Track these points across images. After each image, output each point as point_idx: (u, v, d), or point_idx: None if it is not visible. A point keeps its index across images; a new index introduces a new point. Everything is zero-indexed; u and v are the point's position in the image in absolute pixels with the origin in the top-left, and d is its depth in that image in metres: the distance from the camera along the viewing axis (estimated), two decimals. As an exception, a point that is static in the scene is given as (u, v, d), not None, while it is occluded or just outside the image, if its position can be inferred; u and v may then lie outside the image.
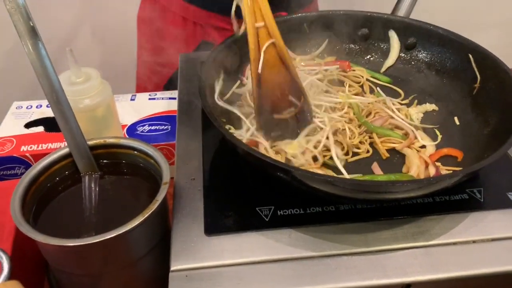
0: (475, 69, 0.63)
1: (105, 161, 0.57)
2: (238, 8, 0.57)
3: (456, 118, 0.63)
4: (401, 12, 0.76)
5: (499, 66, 0.60)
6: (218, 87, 0.61)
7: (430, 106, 0.65)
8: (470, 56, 0.64)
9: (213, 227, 0.49)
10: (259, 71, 0.54)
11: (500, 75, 0.59)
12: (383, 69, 0.72)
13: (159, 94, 0.82)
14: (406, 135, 0.60)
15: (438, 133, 0.61)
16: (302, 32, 0.72)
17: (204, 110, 0.52)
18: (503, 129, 0.55)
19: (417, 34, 0.70)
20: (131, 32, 1.12)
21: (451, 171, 0.54)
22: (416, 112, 0.63)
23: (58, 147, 0.63)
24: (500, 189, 0.53)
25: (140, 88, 1.11)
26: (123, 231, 0.46)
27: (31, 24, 0.46)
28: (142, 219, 0.47)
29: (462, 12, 1.53)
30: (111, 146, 0.57)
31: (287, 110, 0.56)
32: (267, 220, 0.50)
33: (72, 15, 1.53)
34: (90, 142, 0.56)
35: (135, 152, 0.56)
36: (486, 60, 0.62)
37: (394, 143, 0.59)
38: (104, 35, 1.58)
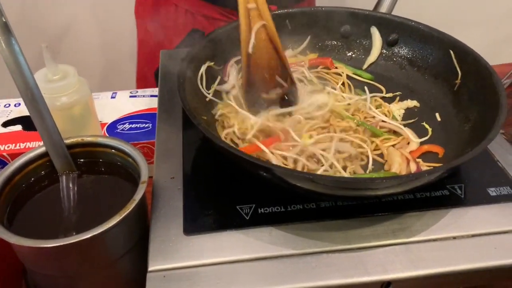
0: (456, 65, 0.63)
1: (83, 160, 0.56)
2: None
3: (437, 114, 0.63)
4: (383, 9, 0.75)
5: (480, 62, 0.60)
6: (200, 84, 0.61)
7: (412, 103, 0.65)
8: (451, 52, 0.64)
9: (192, 226, 0.48)
10: (250, 51, 0.54)
11: (481, 71, 0.59)
12: (365, 66, 0.72)
13: (140, 91, 0.81)
14: (394, 133, 0.60)
15: (427, 126, 0.61)
16: (284, 28, 0.72)
17: (184, 108, 0.51)
18: (483, 125, 0.55)
19: (399, 30, 0.70)
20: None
21: (431, 167, 0.54)
22: (398, 108, 0.63)
23: (37, 146, 0.62)
24: (481, 185, 0.54)
25: (140, 80, 1.11)
26: (100, 231, 0.45)
27: (4, 20, 0.45)
28: (119, 219, 0.46)
29: (446, 10, 1.54)
30: (89, 145, 0.56)
31: (274, 91, 0.57)
32: (247, 218, 0.49)
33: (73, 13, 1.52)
34: (67, 141, 0.54)
35: (113, 150, 0.55)
36: (467, 56, 0.62)
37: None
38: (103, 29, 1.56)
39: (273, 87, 0.57)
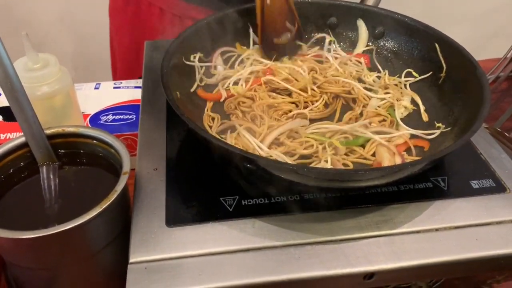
0: (441, 58, 0.63)
1: (63, 151, 0.55)
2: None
3: (422, 108, 0.63)
4: (370, 1, 0.75)
5: (464, 55, 0.60)
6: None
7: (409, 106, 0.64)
8: (437, 45, 0.64)
9: (175, 218, 0.47)
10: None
11: (465, 65, 0.60)
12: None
13: (124, 82, 0.80)
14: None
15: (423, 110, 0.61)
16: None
17: (167, 99, 0.51)
18: (467, 118, 0.55)
19: (384, 23, 0.70)
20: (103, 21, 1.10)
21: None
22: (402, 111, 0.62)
23: (16, 137, 0.60)
24: (464, 178, 0.54)
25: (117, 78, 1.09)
26: (80, 222, 0.44)
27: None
28: (99, 210, 0.45)
29: (431, 5, 1.55)
30: (70, 135, 0.55)
31: (284, 35, 0.63)
32: (230, 210, 0.49)
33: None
34: (47, 131, 0.53)
35: (95, 141, 0.54)
36: (452, 49, 0.62)
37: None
38: (76, 23, 1.54)
39: (283, 31, 0.63)
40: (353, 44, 0.72)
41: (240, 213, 0.48)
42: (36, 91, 0.57)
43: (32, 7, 1.46)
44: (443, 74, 0.63)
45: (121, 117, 0.72)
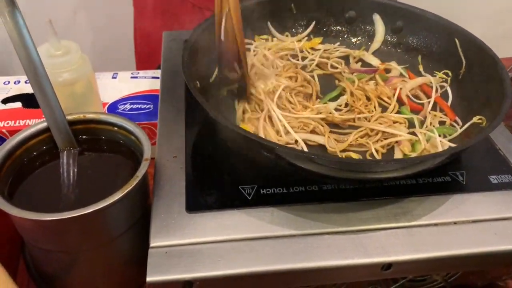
0: (461, 53, 0.63)
1: (84, 137, 0.56)
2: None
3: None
4: (389, -4, 0.75)
5: (485, 51, 0.60)
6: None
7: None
8: (456, 40, 0.64)
9: (195, 204, 0.48)
10: (222, 37, 0.56)
11: (486, 60, 0.59)
12: (369, 52, 0.71)
13: (142, 73, 0.80)
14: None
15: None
16: (289, 12, 0.71)
17: (188, 87, 0.51)
18: (486, 114, 0.55)
19: (404, 18, 0.69)
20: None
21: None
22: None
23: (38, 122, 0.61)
24: (482, 172, 0.54)
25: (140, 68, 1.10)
26: (102, 206, 0.45)
27: (9, -8, 0.44)
28: (121, 194, 0.45)
29: (448, 3, 1.54)
30: (91, 122, 0.55)
31: (232, 74, 0.59)
32: (249, 198, 0.49)
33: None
34: (69, 117, 0.54)
35: (115, 128, 0.54)
36: (472, 45, 0.62)
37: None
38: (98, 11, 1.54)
39: (232, 70, 0.60)
40: (371, 38, 0.72)
41: (258, 201, 0.49)
42: (57, 77, 0.58)
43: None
44: (462, 70, 0.63)
45: (139, 106, 0.73)
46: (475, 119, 0.55)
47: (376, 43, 0.72)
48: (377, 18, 0.71)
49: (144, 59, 1.12)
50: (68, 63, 0.58)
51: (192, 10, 0.96)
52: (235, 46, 0.57)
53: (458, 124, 0.58)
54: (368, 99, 0.61)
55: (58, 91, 0.52)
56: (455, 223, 0.48)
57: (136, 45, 1.14)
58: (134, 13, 1.10)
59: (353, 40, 0.73)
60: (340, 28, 0.73)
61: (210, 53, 0.62)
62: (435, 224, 0.48)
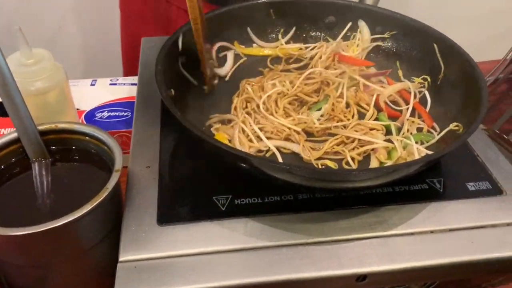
0: (439, 59, 0.63)
1: (56, 147, 0.55)
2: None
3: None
4: (369, 1, 0.74)
5: (463, 56, 0.60)
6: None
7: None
8: (435, 45, 0.64)
9: (167, 216, 0.47)
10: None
11: (463, 66, 0.59)
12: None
13: (121, 79, 0.79)
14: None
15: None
16: (268, 17, 0.71)
17: (162, 97, 0.50)
18: (463, 120, 0.54)
19: (383, 23, 0.69)
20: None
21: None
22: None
23: (8, 132, 0.60)
24: (460, 180, 0.53)
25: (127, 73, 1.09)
26: (70, 219, 0.44)
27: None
28: (90, 207, 0.44)
29: (433, 6, 1.54)
30: (63, 132, 0.54)
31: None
32: (223, 209, 0.48)
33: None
34: (40, 127, 0.53)
35: (88, 138, 0.53)
36: (451, 50, 0.62)
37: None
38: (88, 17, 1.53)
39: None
40: (351, 43, 0.72)
41: (232, 212, 0.48)
42: (29, 87, 0.57)
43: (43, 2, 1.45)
44: (441, 75, 0.62)
45: (117, 114, 0.72)
46: (451, 126, 0.54)
47: (361, 48, 0.71)
48: (362, 24, 0.70)
49: (131, 64, 1.11)
50: (40, 72, 0.57)
51: (177, 14, 0.96)
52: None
53: (436, 131, 0.57)
54: (348, 105, 0.61)
55: (30, 100, 0.51)
56: (431, 232, 0.48)
57: (123, 50, 1.13)
58: (121, 18, 1.08)
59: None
60: (319, 34, 0.72)
61: (191, 58, 0.62)
62: (412, 233, 0.47)
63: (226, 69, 0.68)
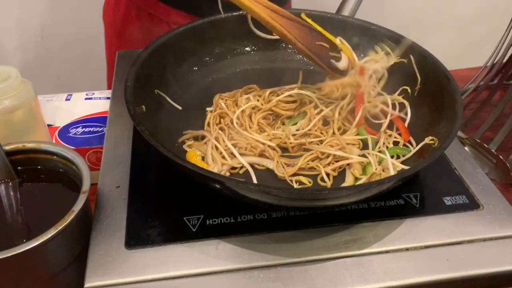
0: (416, 70, 0.62)
1: (24, 167, 0.53)
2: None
3: (396, 120, 0.62)
4: (346, 12, 0.74)
5: (439, 67, 0.59)
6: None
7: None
8: (411, 56, 0.63)
9: (135, 239, 0.46)
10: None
11: (439, 77, 0.58)
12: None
13: (97, 93, 0.78)
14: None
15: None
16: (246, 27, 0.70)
17: (129, 114, 0.49)
18: (439, 132, 0.54)
19: (360, 34, 0.68)
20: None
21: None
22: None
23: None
24: (437, 194, 0.52)
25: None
26: (34, 245, 0.42)
27: None
28: (54, 232, 0.43)
29: (416, 13, 1.55)
30: (31, 151, 0.53)
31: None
32: (194, 230, 0.47)
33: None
34: (6, 147, 0.51)
35: (55, 157, 0.52)
36: (426, 61, 0.61)
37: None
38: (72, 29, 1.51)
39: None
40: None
41: (204, 233, 0.47)
42: (-5, 105, 0.55)
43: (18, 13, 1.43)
44: (417, 87, 0.62)
45: (91, 129, 0.70)
46: (427, 140, 0.53)
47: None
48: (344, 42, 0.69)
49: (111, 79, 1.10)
50: (6, 90, 0.55)
51: (160, 27, 0.94)
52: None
53: (412, 145, 0.56)
54: (327, 123, 0.60)
55: (-4, 119, 0.50)
56: (407, 249, 0.47)
57: (107, 61, 1.11)
58: (105, 31, 1.07)
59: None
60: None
61: (168, 70, 0.61)
62: (386, 251, 0.46)
63: (343, 64, 0.64)
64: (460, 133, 0.79)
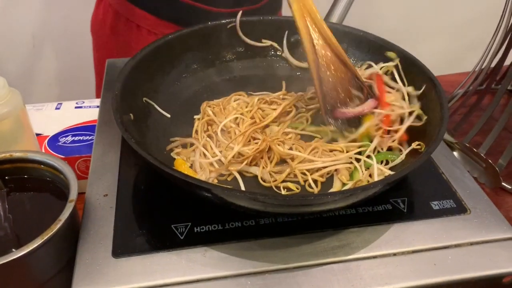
0: (403, 76, 0.63)
1: (11, 176, 0.53)
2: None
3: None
4: (334, 18, 0.74)
5: (425, 73, 0.60)
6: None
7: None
8: (398, 62, 0.63)
9: (122, 247, 0.45)
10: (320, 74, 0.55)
11: (426, 83, 0.59)
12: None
13: (87, 102, 0.78)
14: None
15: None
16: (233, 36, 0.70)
17: (116, 123, 0.49)
18: (425, 138, 0.54)
19: (347, 40, 0.69)
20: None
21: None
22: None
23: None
24: (424, 198, 0.53)
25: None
26: (19, 255, 0.42)
27: None
28: (40, 241, 0.43)
29: (410, 18, 1.56)
30: (18, 161, 0.53)
31: (353, 104, 0.58)
32: (182, 238, 0.47)
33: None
34: (-7, 157, 0.51)
35: (43, 166, 0.52)
36: (413, 66, 0.62)
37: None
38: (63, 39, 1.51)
39: (350, 100, 0.58)
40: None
41: (191, 241, 0.47)
42: (-18, 115, 0.55)
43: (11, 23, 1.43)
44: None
45: (81, 138, 0.70)
46: (414, 145, 0.54)
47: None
48: None
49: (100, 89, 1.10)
50: (-6, 99, 0.55)
51: (147, 37, 0.95)
52: (343, 72, 0.54)
53: (400, 151, 0.57)
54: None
55: (-17, 129, 0.50)
56: (394, 254, 0.47)
57: (96, 71, 1.11)
58: (93, 42, 1.08)
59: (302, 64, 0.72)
60: (287, 51, 0.72)
61: (156, 78, 0.61)
62: (374, 257, 0.46)
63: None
64: (449, 138, 0.80)
